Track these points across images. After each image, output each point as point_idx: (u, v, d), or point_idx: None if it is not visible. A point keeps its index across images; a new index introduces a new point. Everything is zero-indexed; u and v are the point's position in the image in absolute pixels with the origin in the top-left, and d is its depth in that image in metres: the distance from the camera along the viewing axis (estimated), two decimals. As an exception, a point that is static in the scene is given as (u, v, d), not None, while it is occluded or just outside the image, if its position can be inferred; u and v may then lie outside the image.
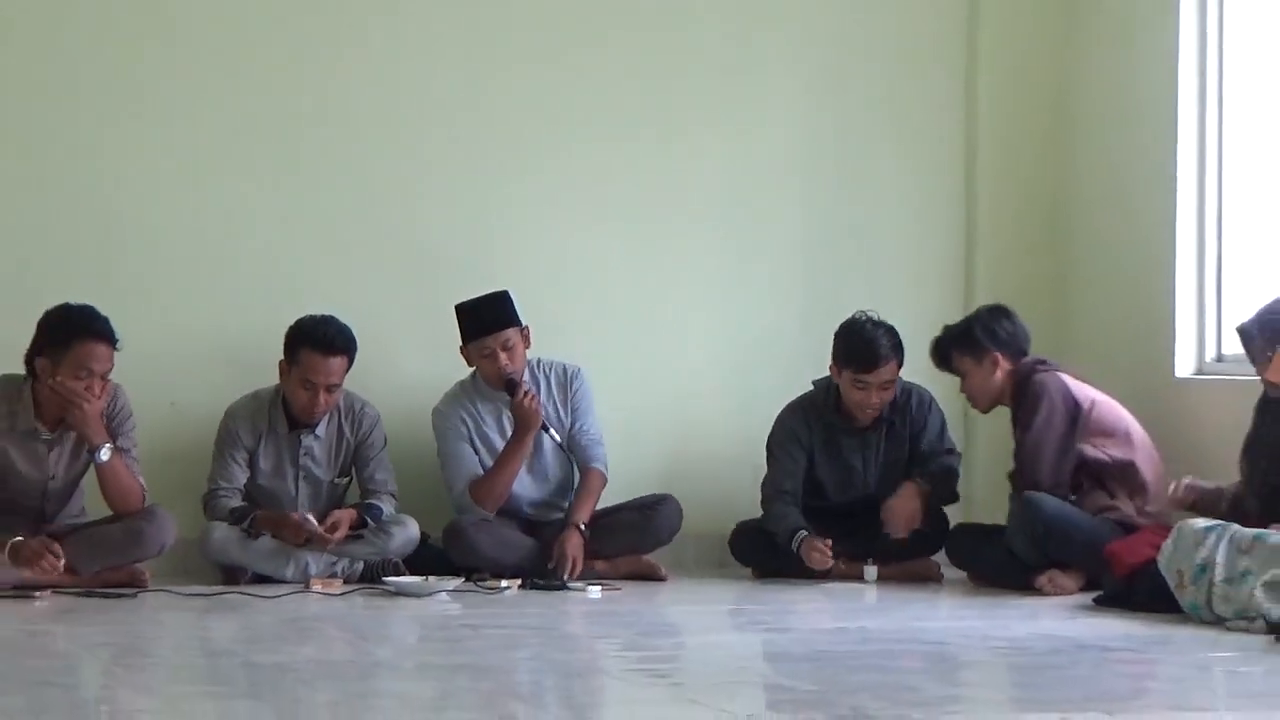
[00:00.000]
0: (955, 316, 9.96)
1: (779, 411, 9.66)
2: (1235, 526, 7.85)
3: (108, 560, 8.81)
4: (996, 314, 9.41)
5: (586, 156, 10.07)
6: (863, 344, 9.38)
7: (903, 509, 9.31)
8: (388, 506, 9.31)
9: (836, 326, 9.74)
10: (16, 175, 9.53)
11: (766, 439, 9.63)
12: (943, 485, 9.52)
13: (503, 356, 9.32)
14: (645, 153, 10.12)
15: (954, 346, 9.32)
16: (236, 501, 9.22)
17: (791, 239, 10.29)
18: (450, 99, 9.88)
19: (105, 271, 9.25)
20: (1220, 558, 7.75)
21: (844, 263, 10.33)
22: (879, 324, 9.44)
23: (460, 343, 9.42)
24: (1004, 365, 9.17)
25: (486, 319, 9.37)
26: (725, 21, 10.18)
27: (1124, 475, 9.00)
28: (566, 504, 9.53)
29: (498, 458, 9.40)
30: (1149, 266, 9.86)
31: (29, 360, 8.79)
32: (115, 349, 8.77)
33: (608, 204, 10.08)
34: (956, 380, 9.52)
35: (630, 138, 10.12)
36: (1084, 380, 9.36)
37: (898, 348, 9.43)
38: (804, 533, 9.24)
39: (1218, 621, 7.65)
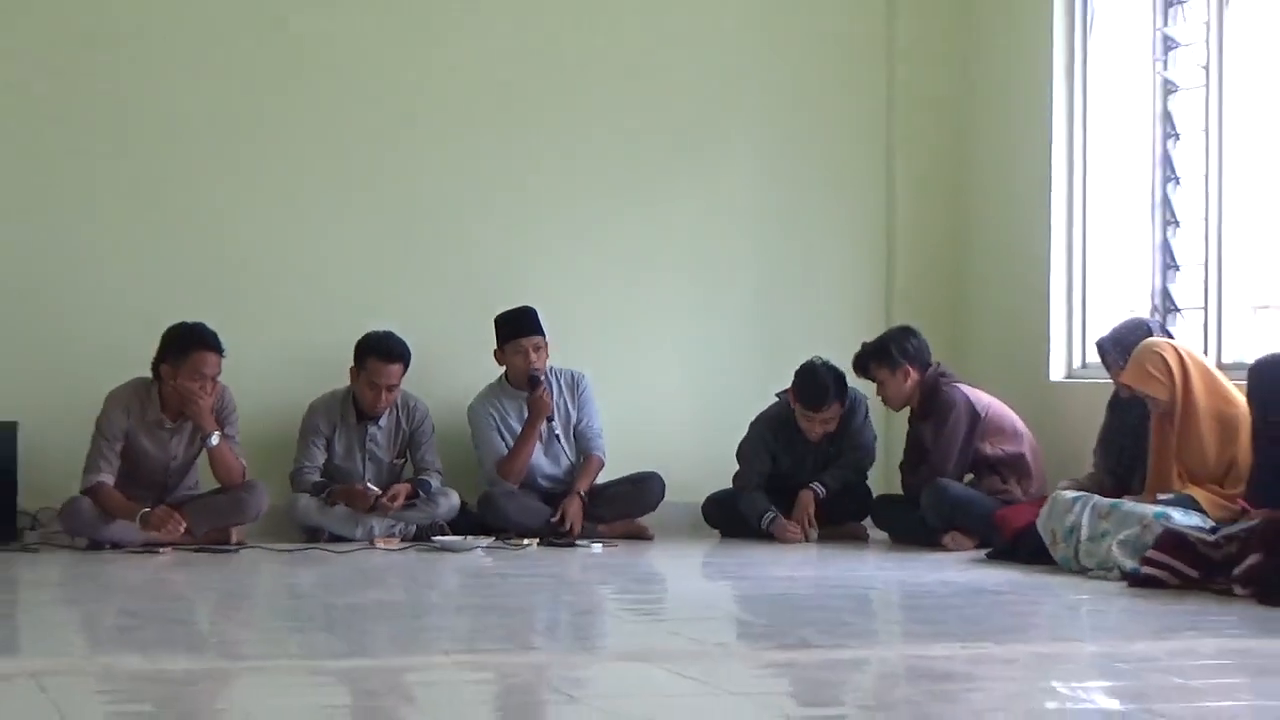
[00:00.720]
0: (878, 333, 9.95)
1: (751, 419, 9.65)
2: (1096, 497, 7.94)
3: (216, 523, 8.85)
4: (906, 333, 9.41)
5: (591, 210, 10.07)
6: (813, 388, 9.37)
7: (799, 512, 9.35)
8: (435, 481, 9.34)
9: (783, 345, 9.86)
10: (146, 217, 9.52)
11: (740, 442, 9.63)
12: (845, 483, 9.54)
13: (532, 356, 9.38)
14: (636, 208, 10.11)
15: (871, 360, 9.32)
16: (316, 477, 9.26)
17: (748, 277, 10.26)
18: (486, 163, 9.87)
19: (214, 294, 9.23)
20: (1085, 521, 7.81)
21: (788, 295, 10.28)
22: (830, 370, 9.42)
23: (495, 347, 9.46)
24: (913, 375, 9.19)
25: (523, 324, 9.43)
26: (697, 110, 10.14)
27: (1014, 465, 9.10)
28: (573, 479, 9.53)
29: (516, 440, 9.43)
30: (1029, 294, 9.85)
31: (155, 366, 8.83)
32: (222, 357, 8.79)
33: (607, 245, 10.08)
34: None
35: (626, 196, 10.11)
36: (979, 388, 9.40)
37: (842, 392, 9.43)
38: (771, 514, 9.31)
39: (1083, 571, 7.71)
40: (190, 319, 8.84)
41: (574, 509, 9.25)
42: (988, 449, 9.10)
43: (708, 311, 10.21)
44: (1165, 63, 9.05)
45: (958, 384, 9.28)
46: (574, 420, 9.65)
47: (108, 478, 8.75)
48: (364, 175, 9.80)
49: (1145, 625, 6.47)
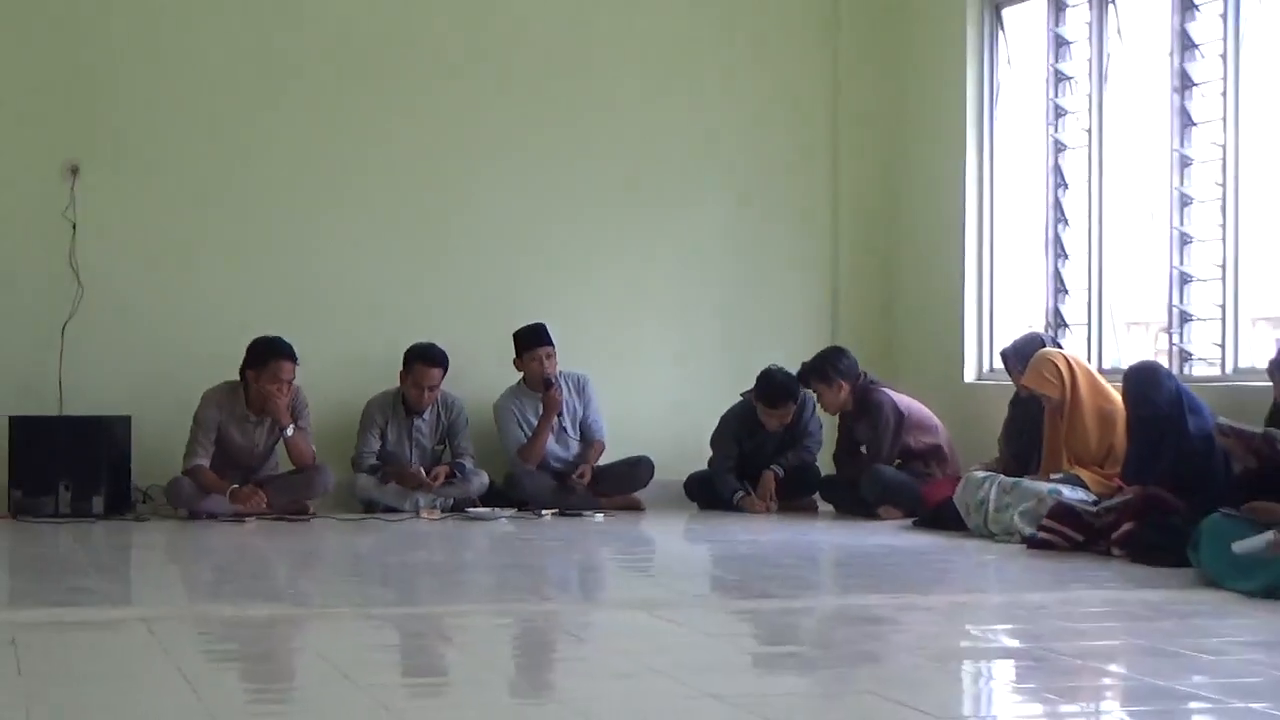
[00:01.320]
0: (824, 341, 9.95)
1: (722, 413, 9.59)
2: (1001, 476, 7.97)
3: (291, 498, 8.84)
4: (839, 353, 9.38)
5: (594, 244, 9.98)
6: (771, 389, 9.35)
7: (763, 490, 9.33)
8: (468, 463, 9.31)
9: (747, 353, 9.83)
10: (238, 249, 9.50)
11: (713, 432, 9.58)
12: (798, 466, 9.50)
13: (545, 363, 9.36)
14: (630, 241, 10.03)
15: (812, 377, 9.29)
16: (373, 461, 9.23)
17: (718, 295, 10.15)
18: (508, 208, 9.76)
19: (290, 311, 9.18)
20: (992, 496, 7.83)
21: (750, 312, 10.18)
22: (785, 374, 9.38)
23: (515, 355, 9.42)
24: (845, 387, 9.15)
25: (537, 337, 9.39)
26: (679, 160, 10.07)
27: (933, 453, 9.08)
28: (580, 462, 9.51)
29: (533, 431, 9.40)
30: (947, 312, 9.82)
31: (242, 371, 8.83)
32: (296, 364, 8.80)
33: (606, 273, 9.99)
34: None
35: (622, 231, 10.03)
36: (901, 391, 9.36)
37: (795, 392, 9.39)
38: (741, 492, 9.33)
39: (990, 537, 7.71)
40: (271, 333, 8.84)
41: (586, 474, 9.32)
42: (911, 441, 9.08)
43: (686, 326, 10.11)
44: (1057, 126, 9.06)
45: (884, 389, 9.26)
46: (579, 414, 9.63)
47: (204, 461, 8.76)
48: (409, 217, 9.73)
49: (1040, 580, 6.52)
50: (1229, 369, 7.69)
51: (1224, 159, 7.72)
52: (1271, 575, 5.84)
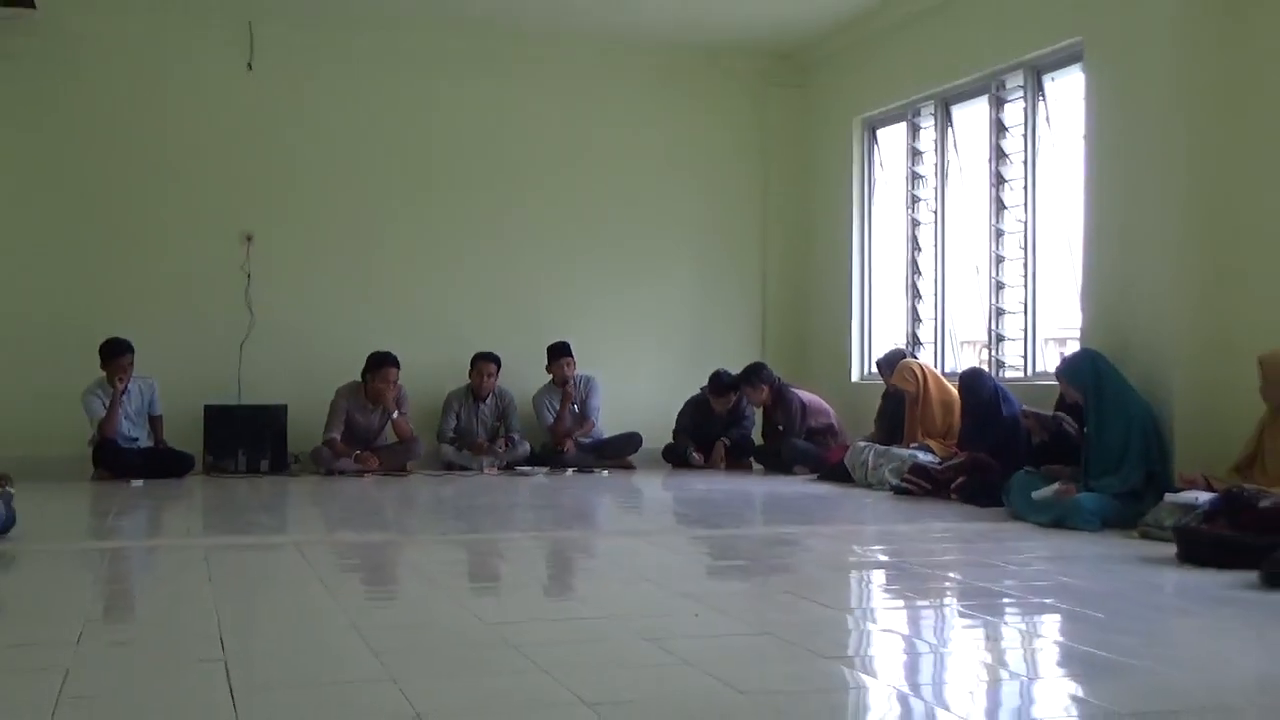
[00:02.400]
0: (758, 354, 9.94)
1: (685, 399, 9.53)
2: (876, 445, 7.97)
3: (396, 461, 8.82)
4: (760, 365, 9.33)
5: (601, 282, 9.84)
6: (718, 386, 9.31)
7: (715, 455, 9.31)
8: (517, 436, 9.27)
9: (704, 359, 9.70)
10: (362, 279, 9.43)
11: (678, 414, 9.53)
12: (739, 439, 9.41)
13: (567, 369, 9.30)
14: (626, 279, 9.89)
15: (742, 382, 9.24)
16: (451, 435, 9.19)
17: (685, 323, 10.02)
18: (544, 256, 9.71)
19: (395, 332, 9.05)
20: (870, 459, 7.87)
21: (708, 329, 10.04)
22: (728, 374, 9.33)
23: (547, 363, 9.34)
24: (766, 389, 9.12)
25: (564, 349, 9.31)
26: (657, 221, 9.99)
27: (829, 431, 9.04)
28: (590, 437, 9.44)
29: (556, 415, 9.34)
30: (839, 332, 9.76)
31: (363, 374, 8.82)
32: (398, 369, 8.79)
33: (610, 302, 9.87)
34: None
35: (621, 273, 9.90)
36: (805, 389, 9.31)
37: (734, 388, 9.32)
38: (693, 453, 9.32)
39: (869, 487, 7.70)
40: (382, 348, 8.81)
41: (571, 447, 9.19)
42: (813, 423, 9.05)
43: (663, 342, 9.98)
44: (913, 209, 9.08)
45: (793, 389, 9.22)
46: (586, 401, 9.51)
47: (336, 435, 8.73)
48: (475, 267, 9.61)
49: (902, 515, 6.52)
50: (1029, 373, 7.70)
51: (1025, 231, 7.72)
52: (1056, 512, 5.91)
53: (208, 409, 8.86)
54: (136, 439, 8.48)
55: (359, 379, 8.88)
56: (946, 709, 2.82)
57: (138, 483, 7.95)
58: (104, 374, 8.35)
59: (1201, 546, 4.79)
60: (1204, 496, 5.27)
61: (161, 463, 8.39)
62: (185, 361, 9.01)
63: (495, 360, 9.21)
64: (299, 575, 4.57)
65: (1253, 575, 4.38)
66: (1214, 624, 3.82)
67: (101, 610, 3.99)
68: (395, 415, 8.87)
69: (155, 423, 8.64)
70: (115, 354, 8.33)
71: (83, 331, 8.58)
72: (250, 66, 9.23)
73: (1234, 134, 6.13)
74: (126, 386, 8.37)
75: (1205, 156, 6.18)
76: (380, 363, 8.79)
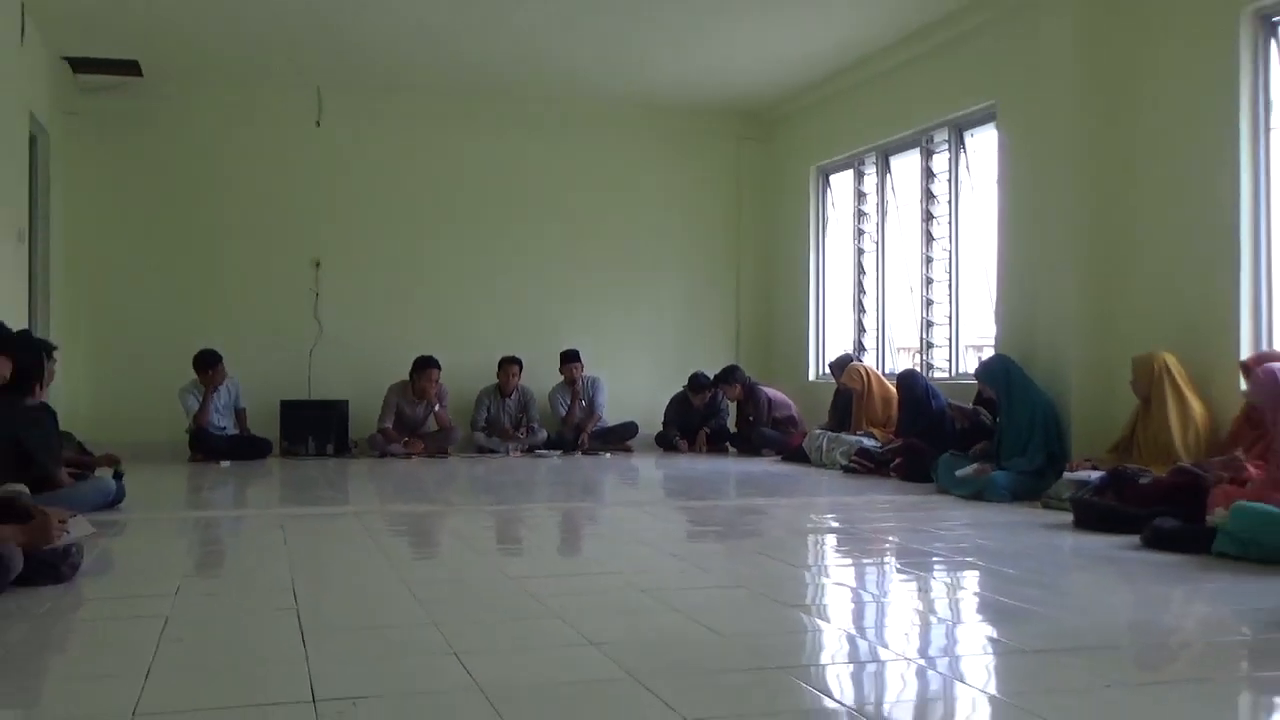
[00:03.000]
0: (732, 358, 9.90)
1: (671, 396, 9.49)
2: (830, 432, 7.95)
3: (437, 446, 8.76)
4: (734, 368, 9.30)
5: (603, 300, 9.85)
6: (698, 383, 9.29)
7: (698, 442, 9.23)
8: (536, 425, 9.20)
9: (686, 362, 9.68)
10: (407, 294, 9.41)
11: (665, 407, 9.47)
12: (716, 428, 9.33)
13: (575, 370, 9.27)
14: (623, 296, 9.90)
15: (719, 382, 9.23)
16: (483, 424, 9.14)
17: (673, 331, 10.02)
18: (559, 276, 9.72)
19: (437, 340, 9.00)
20: (824, 444, 7.86)
21: (690, 341, 9.99)
22: (706, 375, 9.31)
23: (560, 365, 9.29)
24: (738, 386, 9.12)
25: (574, 355, 9.27)
26: (651, 246, 9.98)
27: (791, 422, 9.00)
28: (596, 426, 9.38)
29: (567, 408, 9.29)
30: (798, 340, 9.74)
31: (410, 374, 8.78)
32: (439, 370, 8.76)
33: (611, 315, 9.86)
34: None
35: (620, 290, 9.89)
36: (771, 386, 9.30)
37: (709, 386, 9.28)
38: (680, 440, 9.27)
39: (824, 467, 7.70)
40: (426, 353, 8.79)
41: (585, 440, 9.12)
42: (777, 415, 9.03)
43: (655, 347, 9.94)
44: (858, 241, 9.08)
45: (761, 387, 9.21)
46: (593, 397, 9.44)
47: (388, 424, 8.69)
48: (503, 286, 9.59)
49: (850, 488, 6.51)
50: (954, 374, 7.70)
51: (950, 258, 7.73)
52: (974, 487, 5.93)
53: (283, 403, 8.84)
54: (225, 428, 8.46)
55: (407, 378, 8.84)
56: (886, 647, 2.82)
57: (225, 464, 7.94)
58: (197, 377, 8.34)
59: (1093, 515, 4.83)
60: (1094, 474, 5.30)
61: (245, 447, 8.36)
62: (265, 364, 9.02)
63: (518, 363, 9.19)
64: (357, 538, 4.57)
65: (1134, 539, 4.41)
66: (1102, 578, 3.82)
67: (195, 567, 3.98)
68: (437, 408, 8.85)
69: (240, 415, 8.61)
70: (209, 363, 8.33)
71: (181, 341, 8.58)
72: (318, 124, 9.28)
73: (1117, 182, 6.15)
74: (217, 387, 8.36)
75: (1094, 199, 6.21)
76: (424, 364, 8.77)
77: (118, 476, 5.54)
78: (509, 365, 9.17)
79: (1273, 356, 4.91)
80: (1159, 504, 4.60)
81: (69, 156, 8.59)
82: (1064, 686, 2.45)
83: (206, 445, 8.22)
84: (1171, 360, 5.55)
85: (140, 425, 8.58)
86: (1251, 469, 4.55)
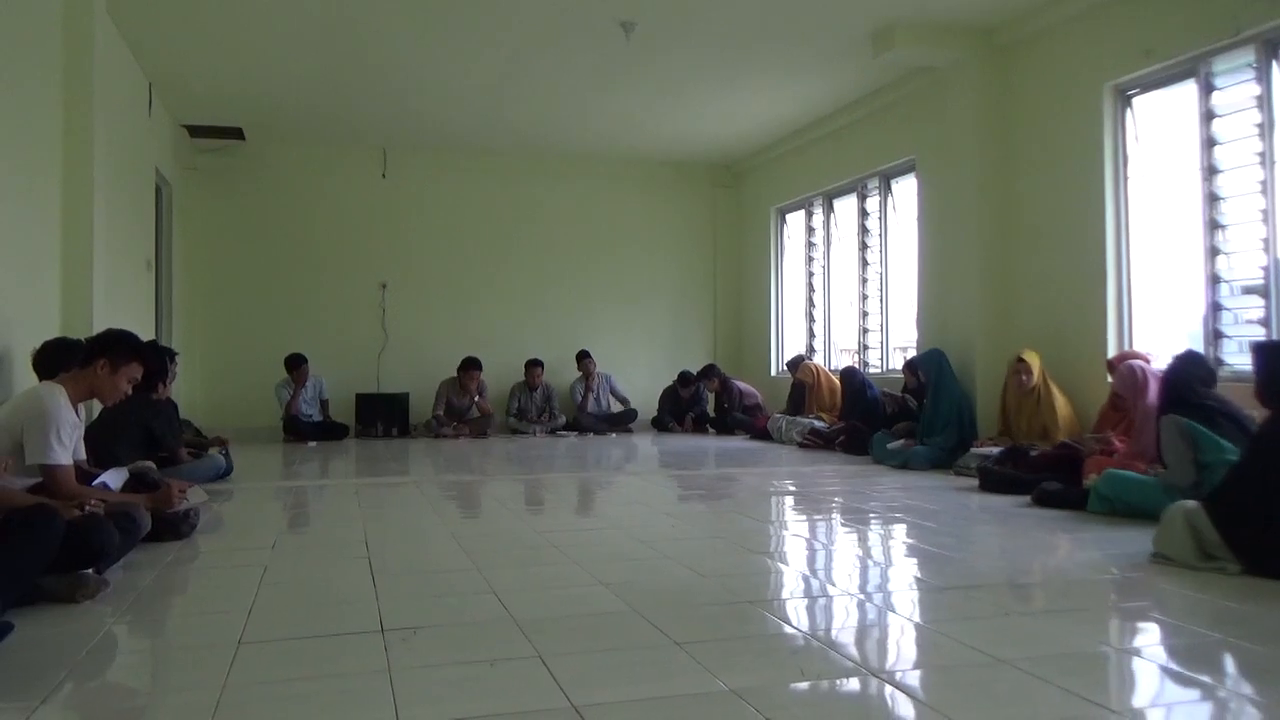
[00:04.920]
0: (710, 358, 9.84)
1: (663, 389, 9.41)
2: (788, 416, 7.86)
3: (479, 429, 8.65)
4: (711, 367, 9.17)
5: (605, 310, 9.78)
6: (684, 379, 9.19)
7: (685, 425, 9.10)
8: (557, 411, 9.11)
9: (675, 361, 9.65)
10: (453, 313, 9.30)
11: (659, 397, 9.40)
12: (699, 414, 9.19)
13: (590, 366, 9.18)
14: (620, 309, 9.82)
15: (700, 378, 9.14)
16: (515, 411, 9.04)
17: (664, 336, 9.97)
18: (565, 294, 9.66)
19: (479, 343, 8.98)
20: (784, 425, 7.77)
21: (678, 344, 9.95)
22: (691, 374, 9.21)
23: (577, 363, 9.22)
24: (716, 381, 8.99)
25: (587, 355, 9.18)
26: (646, 280, 9.91)
27: (758, 408, 8.90)
28: (607, 413, 9.30)
29: (582, 397, 9.18)
30: (762, 343, 9.70)
31: (457, 372, 8.69)
32: (480, 370, 8.70)
33: (612, 322, 9.80)
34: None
35: (619, 304, 9.82)
36: (742, 380, 9.25)
37: (693, 382, 9.17)
38: (673, 423, 9.17)
39: (785, 443, 7.62)
40: (470, 354, 8.76)
41: (589, 419, 9.02)
42: (747, 402, 8.96)
43: (650, 349, 9.86)
44: (809, 267, 9.04)
45: (734, 380, 9.16)
46: (606, 392, 9.29)
47: (440, 412, 8.66)
48: (530, 300, 9.52)
49: (804, 460, 6.47)
50: (885, 369, 7.68)
51: (881, 279, 7.71)
52: (902, 458, 5.93)
53: (358, 395, 8.80)
54: (311, 415, 8.41)
55: (454, 375, 8.79)
56: (833, 584, 2.82)
57: (312, 444, 7.89)
58: (288, 375, 8.33)
59: (994, 480, 4.83)
60: (994, 449, 5.31)
61: (328, 431, 8.32)
62: (343, 365, 8.98)
63: (541, 364, 9.12)
64: (417, 502, 4.55)
65: (1026, 499, 4.42)
66: (1002, 530, 3.81)
67: (288, 526, 3.97)
68: (478, 399, 8.82)
69: (324, 405, 8.55)
70: (297, 364, 8.32)
71: (276, 349, 8.57)
72: (384, 176, 9.25)
73: (1009, 219, 6.16)
74: (304, 383, 8.34)
75: (991, 232, 6.21)
76: (468, 365, 8.72)
77: (226, 455, 5.53)
78: (534, 367, 9.11)
79: (1132, 355, 4.93)
80: (1045, 471, 4.61)
81: (187, 203, 8.60)
82: (973, 615, 2.45)
83: (296, 430, 8.18)
84: (1036, 359, 5.59)
85: (244, 414, 8.60)
86: (1118, 443, 4.57)
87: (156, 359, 4.88)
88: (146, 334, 6.46)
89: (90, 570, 2.69)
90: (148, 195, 7.09)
